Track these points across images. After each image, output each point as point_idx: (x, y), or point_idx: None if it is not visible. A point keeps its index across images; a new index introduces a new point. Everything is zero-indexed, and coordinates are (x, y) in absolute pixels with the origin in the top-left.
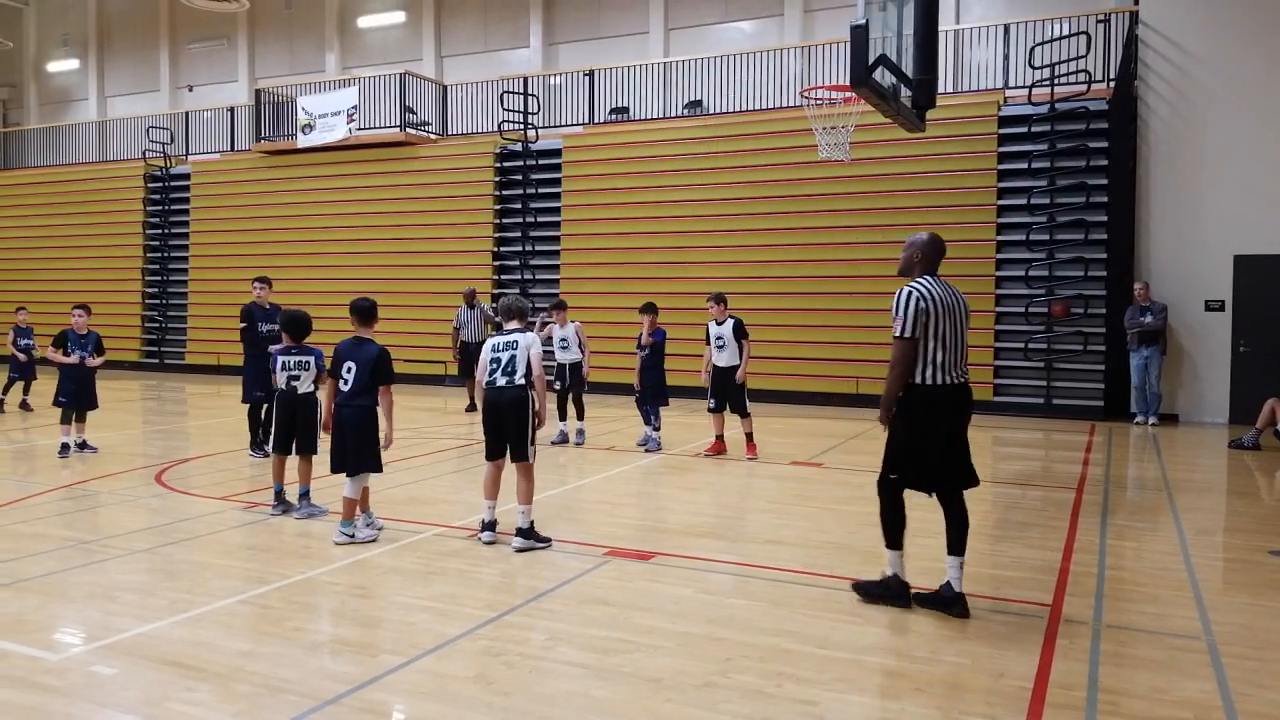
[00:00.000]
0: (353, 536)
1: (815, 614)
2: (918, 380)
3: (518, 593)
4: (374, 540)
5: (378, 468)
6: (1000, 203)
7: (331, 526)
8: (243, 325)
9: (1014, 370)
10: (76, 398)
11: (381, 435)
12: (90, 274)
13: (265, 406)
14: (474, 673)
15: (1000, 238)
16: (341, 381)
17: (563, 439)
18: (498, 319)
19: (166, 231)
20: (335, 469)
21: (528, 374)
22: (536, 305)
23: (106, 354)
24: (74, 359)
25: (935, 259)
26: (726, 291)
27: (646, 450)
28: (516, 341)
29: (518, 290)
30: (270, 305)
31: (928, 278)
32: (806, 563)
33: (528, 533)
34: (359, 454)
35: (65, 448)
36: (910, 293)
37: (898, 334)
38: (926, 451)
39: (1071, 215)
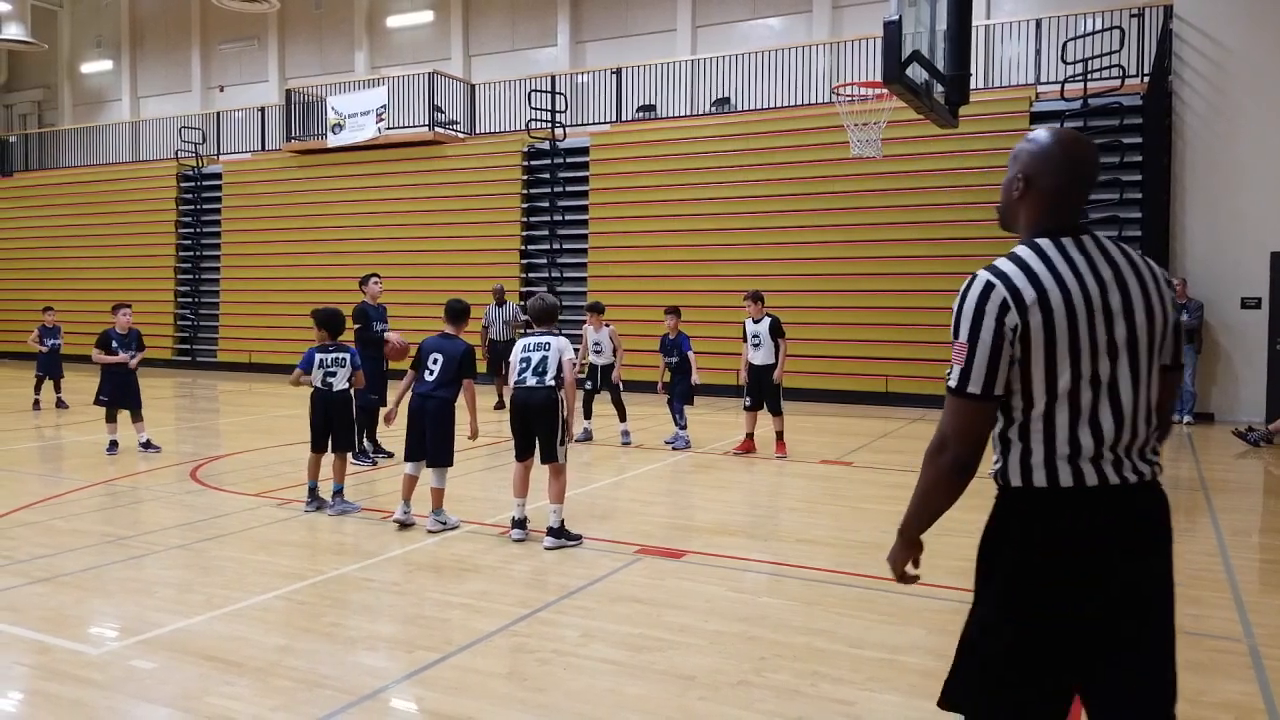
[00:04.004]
0: (445, 524)
1: (849, 613)
2: (1015, 479)
3: (550, 590)
4: (458, 527)
5: (450, 461)
6: None
7: (365, 523)
8: (357, 326)
9: None
10: (118, 397)
11: (467, 427)
12: (123, 273)
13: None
14: (507, 669)
15: None
16: (426, 372)
17: (586, 436)
18: (527, 318)
19: (198, 231)
20: (411, 457)
21: (558, 375)
22: (564, 304)
23: (145, 350)
24: (122, 358)
25: (1066, 194)
26: (756, 290)
27: (675, 449)
28: (549, 344)
29: (545, 288)
30: (379, 305)
31: (1045, 243)
32: (838, 562)
33: (559, 531)
34: (437, 446)
35: (114, 445)
36: (982, 285)
37: (953, 384)
38: (1036, 662)
39: (1105, 212)
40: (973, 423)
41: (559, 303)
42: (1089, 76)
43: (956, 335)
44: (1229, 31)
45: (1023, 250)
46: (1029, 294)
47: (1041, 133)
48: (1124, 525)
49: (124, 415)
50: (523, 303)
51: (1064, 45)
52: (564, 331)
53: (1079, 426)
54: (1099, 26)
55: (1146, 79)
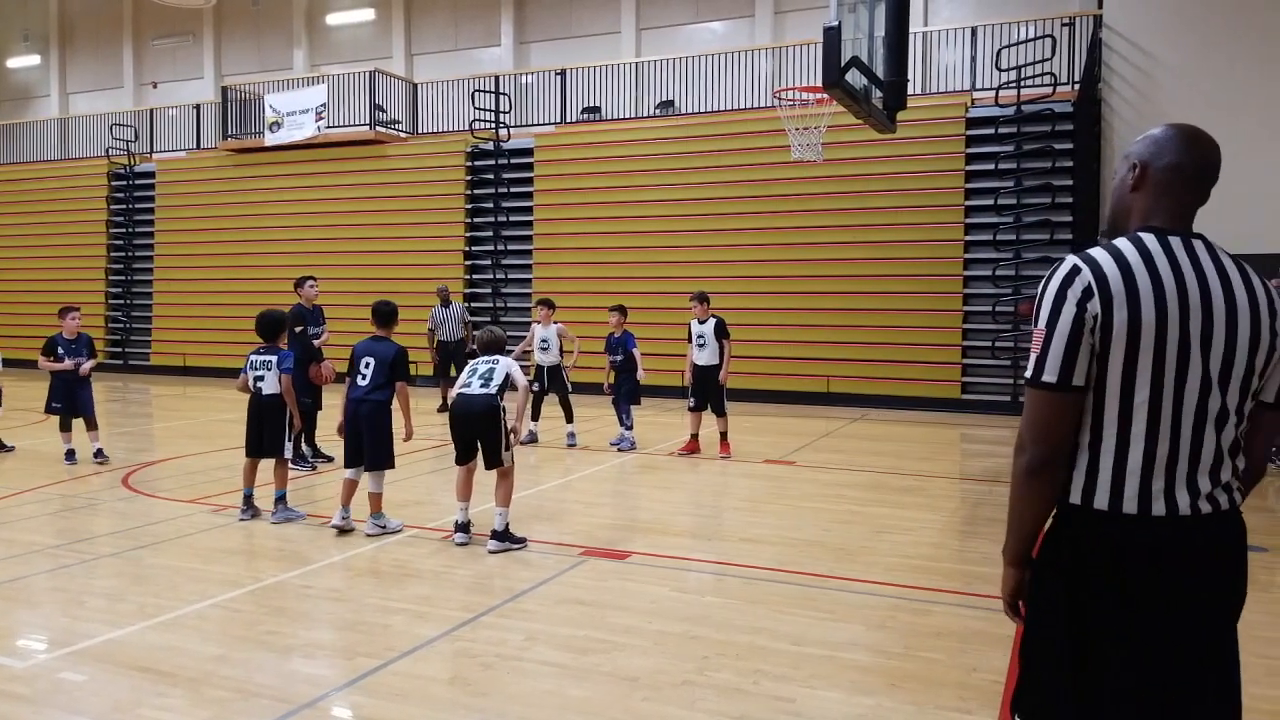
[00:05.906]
0: (384, 528)
1: (791, 611)
2: (1075, 498)
3: (493, 594)
4: (399, 531)
5: (391, 464)
6: (968, 203)
7: (305, 529)
8: (297, 330)
9: (981, 369)
10: (69, 403)
11: (401, 429)
12: (52, 274)
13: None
14: (450, 674)
15: (968, 238)
16: (359, 377)
17: (532, 439)
18: (475, 347)
19: (131, 231)
20: (350, 464)
21: (502, 385)
22: (509, 305)
23: (99, 356)
24: (68, 364)
25: (1184, 182)
26: (701, 290)
27: (620, 450)
28: (498, 359)
29: (490, 289)
30: (315, 307)
31: (1149, 238)
32: (781, 560)
33: (502, 535)
34: (374, 450)
35: (71, 454)
36: (1067, 269)
37: (1029, 373)
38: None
39: (1037, 215)
40: (1050, 417)
41: (505, 335)
42: (1022, 83)
43: (1036, 321)
44: (1156, 41)
45: (1121, 242)
46: (1116, 284)
47: (1157, 127)
48: (1189, 562)
49: (77, 423)
50: (468, 303)
51: (998, 53)
52: (512, 333)
53: (1156, 442)
54: (1032, 35)
55: (1077, 86)
